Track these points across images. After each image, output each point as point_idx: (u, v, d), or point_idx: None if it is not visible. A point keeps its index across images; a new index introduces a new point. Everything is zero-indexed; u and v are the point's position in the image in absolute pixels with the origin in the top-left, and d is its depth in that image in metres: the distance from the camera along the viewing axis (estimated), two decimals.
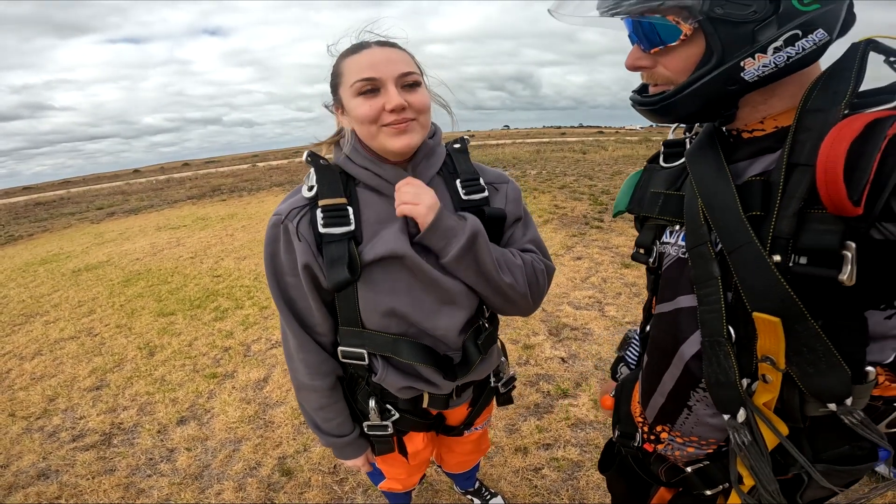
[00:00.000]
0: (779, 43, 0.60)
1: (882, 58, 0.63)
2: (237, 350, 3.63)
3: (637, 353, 1.15)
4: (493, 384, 1.35)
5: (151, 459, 2.53)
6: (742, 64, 0.62)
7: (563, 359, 3.05)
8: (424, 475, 1.79)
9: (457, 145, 1.15)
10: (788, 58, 0.61)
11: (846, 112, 0.58)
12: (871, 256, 0.57)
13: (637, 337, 1.16)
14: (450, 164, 1.11)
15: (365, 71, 0.92)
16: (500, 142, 34.34)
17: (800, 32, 0.59)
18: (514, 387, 1.42)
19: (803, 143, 0.60)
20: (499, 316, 1.24)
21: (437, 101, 1.12)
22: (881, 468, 1.85)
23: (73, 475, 2.46)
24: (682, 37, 0.64)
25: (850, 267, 0.56)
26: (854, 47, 0.63)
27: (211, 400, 3.02)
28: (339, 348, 1.09)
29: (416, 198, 0.95)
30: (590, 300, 3.86)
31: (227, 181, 20.36)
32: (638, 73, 0.76)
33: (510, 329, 3.46)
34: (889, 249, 0.56)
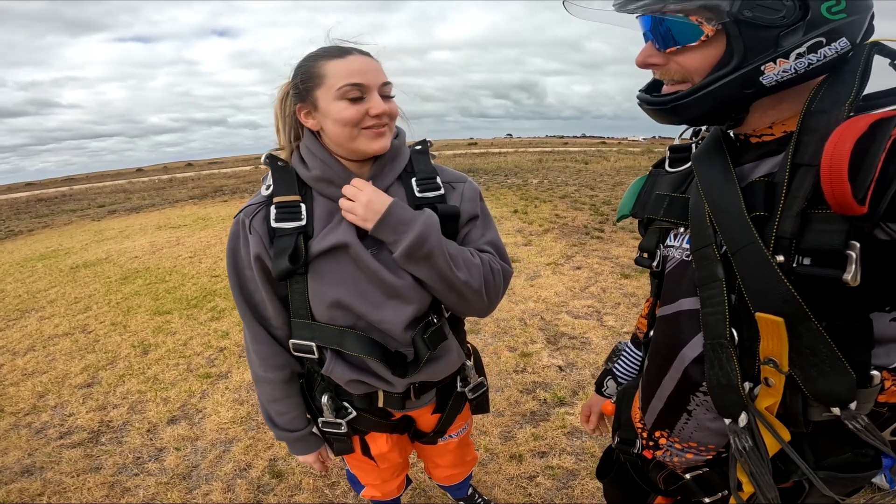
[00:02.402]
0: (802, 49, 0.59)
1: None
2: (232, 350, 3.60)
3: (627, 366, 1.13)
4: (459, 389, 1.33)
5: (139, 458, 2.49)
6: (762, 68, 0.61)
7: (560, 367, 3.02)
8: (409, 481, 1.76)
9: (418, 147, 1.20)
10: (809, 64, 0.60)
11: (851, 113, 0.57)
12: (876, 257, 0.56)
13: (628, 349, 1.14)
14: (408, 165, 1.15)
15: (355, 76, 0.97)
16: (502, 150, 34.54)
17: (824, 40, 0.59)
18: (483, 393, 1.40)
19: (807, 143, 0.60)
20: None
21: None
22: (878, 479, 1.81)
23: (57, 472, 2.42)
24: (703, 37, 0.63)
25: (854, 267, 0.55)
26: (859, 49, 0.62)
27: (203, 400, 2.98)
28: (291, 341, 1.12)
29: (353, 201, 1.01)
30: (588, 309, 3.83)
31: (229, 182, 20.42)
32: (645, 75, 0.75)
33: (508, 337, 3.43)
34: (893, 250, 0.55)
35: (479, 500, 2.00)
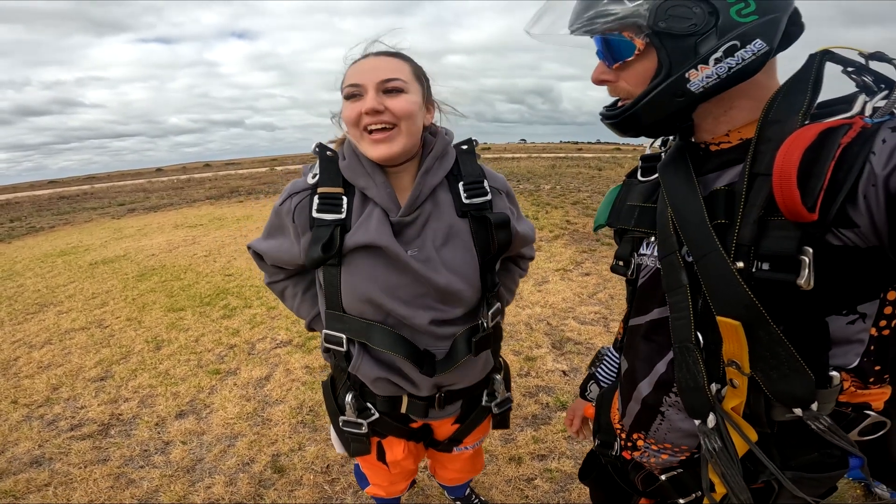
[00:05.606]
0: (718, 54, 0.61)
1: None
2: (242, 348, 3.66)
3: (609, 370, 1.14)
4: (485, 403, 1.30)
5: (146, 451, 2.55)
6: (687, 76, 0.63)
7: (564, 372, 3.02)
8: (414, 482, 1.78)
9: (464, 146, 1.17)
10: (729, 68, 0.62)
11: (804, 122, 0.59)
12: (830, 262, 0.57)
13: (610, 354, 1.15)
14: (455, 167, 1.12)
15: (353, 77, 1.00)
16: (515, 155, 34.38)
17: (738, 43, 0.61)
18: (509, 408, 1.37)
19: (764, 153, 0.61)
20: (501, 326, 1.25)
21: (444, 110, 1.17)
22: (879, 489, 1.79)
23: (65, 463, 2.49)
24: (636, 52, 0.66)
25: (807, 271, 0.57)
26: (811, 58, 0.63)
27: (212, 395, 3.04)
28: (324, 331, 1.13)
29: None
30: (595, 315, 3.82)
31: (245, 183, 20.68)
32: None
33: (513, 341, 3.44)
34: (846, 255, 0.57)
35: (476, 500, 2.01)
